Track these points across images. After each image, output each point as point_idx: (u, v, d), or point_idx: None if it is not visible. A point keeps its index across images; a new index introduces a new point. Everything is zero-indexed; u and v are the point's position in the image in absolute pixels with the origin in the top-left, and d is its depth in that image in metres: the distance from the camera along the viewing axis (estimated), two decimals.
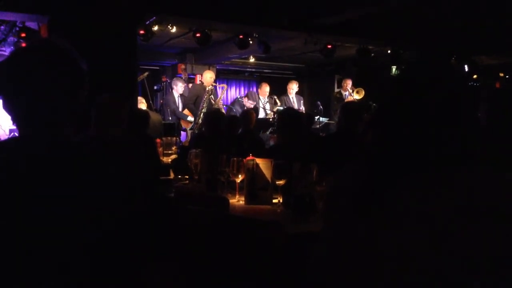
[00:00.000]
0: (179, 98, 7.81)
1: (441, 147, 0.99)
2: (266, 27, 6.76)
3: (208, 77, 7.50)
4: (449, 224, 0.90)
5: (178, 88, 7.80)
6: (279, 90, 8.96)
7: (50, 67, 1.11)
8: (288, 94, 8.51)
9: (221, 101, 7.55)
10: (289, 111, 4.27)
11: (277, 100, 8.24)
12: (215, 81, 7.83)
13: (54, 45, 1.14)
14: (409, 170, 1.00)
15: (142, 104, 6.96)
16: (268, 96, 8.29)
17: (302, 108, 8.38)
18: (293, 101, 8.43)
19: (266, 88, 8.22)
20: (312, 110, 8.74)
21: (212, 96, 7.44)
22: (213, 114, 4.72)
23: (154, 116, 6.80)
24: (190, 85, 8.56)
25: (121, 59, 5.30)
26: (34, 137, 1.11)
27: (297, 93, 8.62)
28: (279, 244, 2.19)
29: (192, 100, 7.43)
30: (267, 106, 7.94)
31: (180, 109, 7.71)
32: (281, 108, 7.92)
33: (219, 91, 8.17)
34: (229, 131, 4.76)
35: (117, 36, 5.26)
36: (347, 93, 8.96)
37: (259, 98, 8.20)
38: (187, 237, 2.57)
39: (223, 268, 2.32)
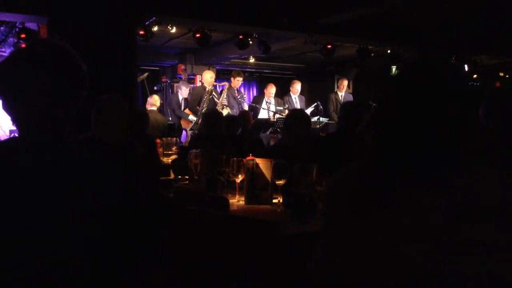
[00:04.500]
0: (183, 101, 7.83)
1: (441, 147, 0.99)
2: (266, 27, 6.75)
3: (208, 77, 7.43)
4: (448, 224, 0.90)
5: (183, 91, 7.83)
6: (279, 90, 8.92)
7: (50, 67, 1.11)
8: (291, 94, 8.42)
9: (224, 101, 7.49)
10: (296, 112, 4.30)
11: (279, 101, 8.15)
12: (215, 81, 7.80)
13: (53, 45, 1.14)
14: (408, 170, 1.00)
15: (154, 107, 6.95)
16: (273, 98, 8.15)
17: (310, 109, 8.31)
18: (295, 101, 8.33)
19: (272, 89, 8.05)
20: (312, 110, 8.71)
21: (214, 94, 7.41)
22: (212, 114, 4.72)
23: (159, 117, 6.80)
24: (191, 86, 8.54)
25: (121, 59, 5.30)
26: (34, 138, 1.11)
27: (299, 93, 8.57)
28: (279, 244, 2.19)
29: (196, 102, 7.41)
30: (272, 107, 7.85)
31: (182, 109, 7.71)
32: (281, 108, 7.88)
33: (219, 90, 8.14)
34: (228, 132, 4.76)
35: (116, 36, 5.27)
36: (343, 93, 8.86)
37: (263, 98, 8.13)
38: (187, 237, 2.57)
39: (223, 268, 2.32)
